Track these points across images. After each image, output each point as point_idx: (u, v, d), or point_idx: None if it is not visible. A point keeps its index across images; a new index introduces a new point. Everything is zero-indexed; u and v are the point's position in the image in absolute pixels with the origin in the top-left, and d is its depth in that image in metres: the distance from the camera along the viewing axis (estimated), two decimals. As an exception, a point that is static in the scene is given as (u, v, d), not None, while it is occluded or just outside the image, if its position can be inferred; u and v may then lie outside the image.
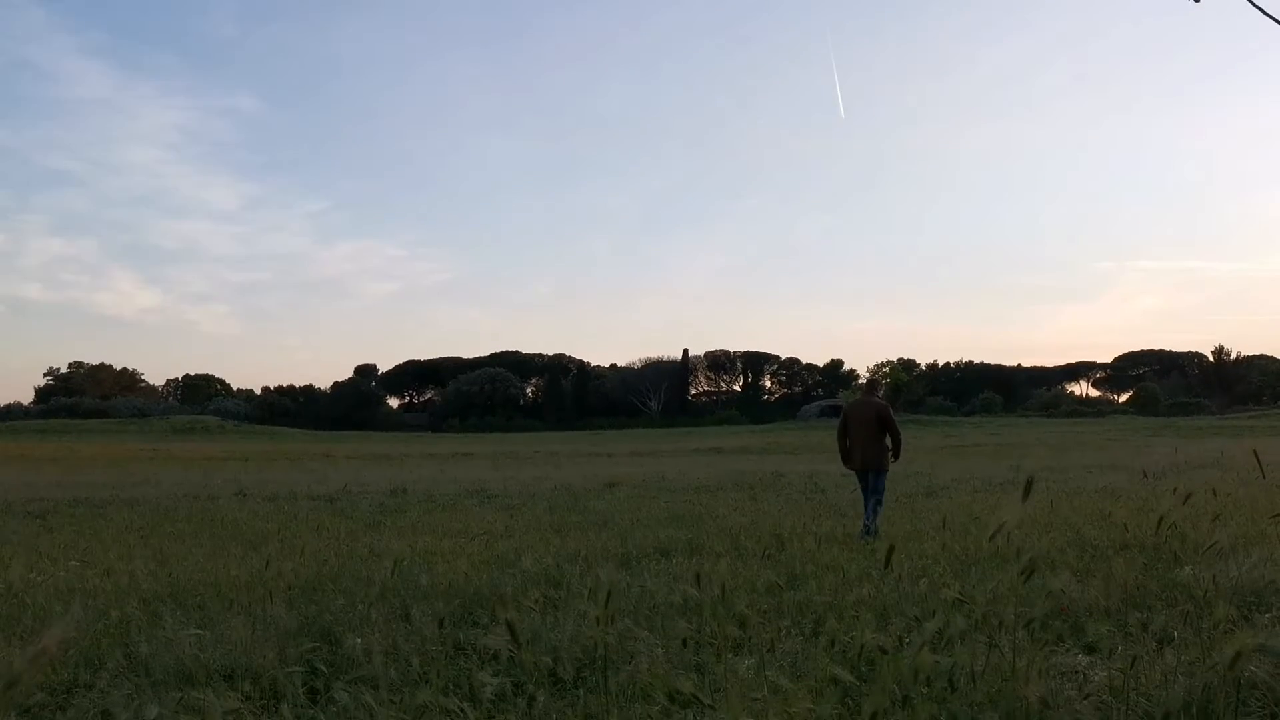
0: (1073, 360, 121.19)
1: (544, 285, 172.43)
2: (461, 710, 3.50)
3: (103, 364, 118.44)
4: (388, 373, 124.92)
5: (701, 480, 20.86)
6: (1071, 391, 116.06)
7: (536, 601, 5.77)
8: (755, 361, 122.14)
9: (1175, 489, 11.10)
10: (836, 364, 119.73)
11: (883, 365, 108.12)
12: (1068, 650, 4.51)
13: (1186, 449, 30.43)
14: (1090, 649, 4.50)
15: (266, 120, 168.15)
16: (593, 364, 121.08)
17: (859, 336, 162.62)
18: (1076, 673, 4.06)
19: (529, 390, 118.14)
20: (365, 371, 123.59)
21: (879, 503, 10.04)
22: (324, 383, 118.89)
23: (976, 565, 6.82)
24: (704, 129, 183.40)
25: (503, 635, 3.05)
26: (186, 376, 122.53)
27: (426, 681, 4.14)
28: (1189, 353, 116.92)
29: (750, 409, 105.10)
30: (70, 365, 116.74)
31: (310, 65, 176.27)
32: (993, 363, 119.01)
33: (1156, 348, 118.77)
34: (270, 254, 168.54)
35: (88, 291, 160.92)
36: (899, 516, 10.34)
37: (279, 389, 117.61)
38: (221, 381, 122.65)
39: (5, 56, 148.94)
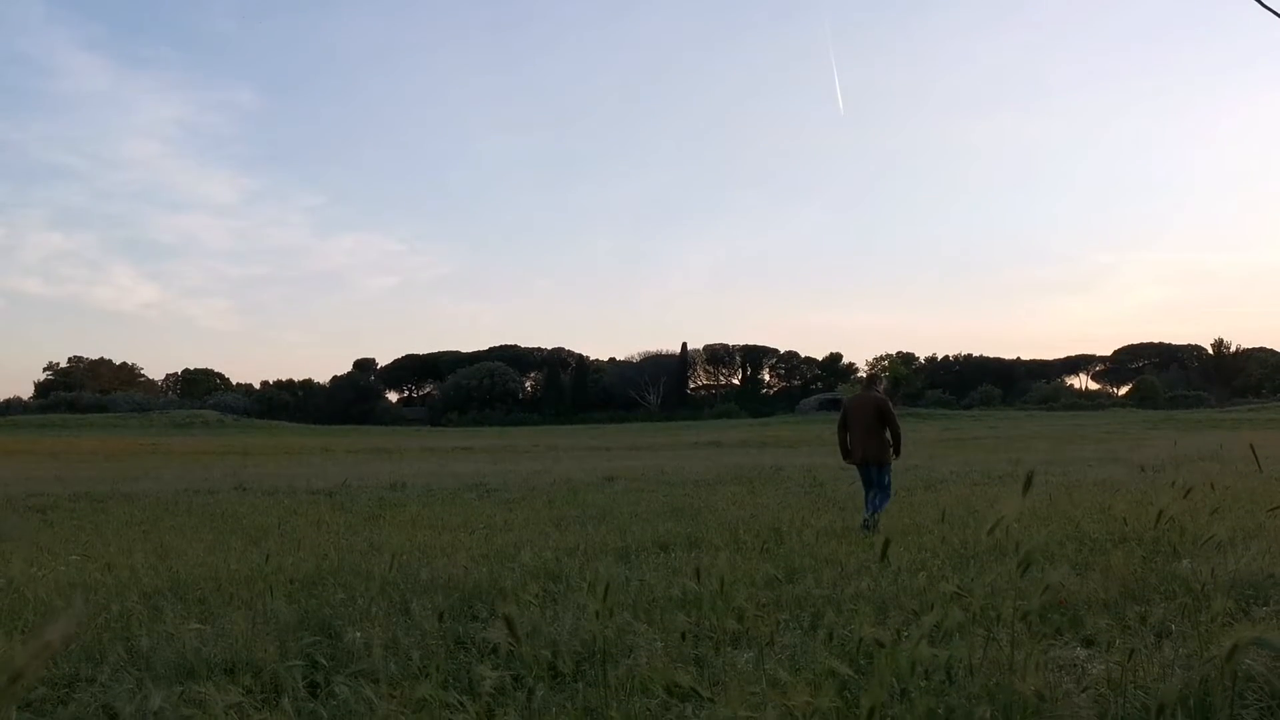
0: (1072, 353, 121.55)
1: (543, 279, 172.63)
2: (461, 704, 3.51)
3: (102, 359, 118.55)
4: (387, 367, 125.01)
5: (700, 474, 20.87)
6: (1071, 385, 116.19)
7: (536, 595, 5.78)
8: (754, 355, 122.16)
9: (1174, 482, 11.12)
10: (835, 357, 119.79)
11: (882, 359, 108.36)
12: (1066, 643, 4.52)
13: (1185, 442, 30.45)
14: (1089, 642, 4.51)
15: (265, 114, 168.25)
16: (591, 358, 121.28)
17: (858, 330, 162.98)
18: (1075, 666, 4.08)
19: (528, 384, 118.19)
20: (364, 365, 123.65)
21: (886, 496, 10.07)
22: (323, 377, 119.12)
23: (975, 559, 6.83)
24: (703, 123, 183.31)
25: (502, 629, 3.06)
26: (186, 371, 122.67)
27: (426, 675, 4.14)
28: (1188, 345, 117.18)
29: (749, 403, 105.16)
30: (70, 360, 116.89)
31: (308, 59, 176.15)
32: (992, 356, 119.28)
33: (1156, 340, 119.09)
34: (269, 248, 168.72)
35: (87, 286, 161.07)
36: (897, 510, 10.35)
37: (278, 383, 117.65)
38: (221, 376, 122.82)
39: (4, 50, 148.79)
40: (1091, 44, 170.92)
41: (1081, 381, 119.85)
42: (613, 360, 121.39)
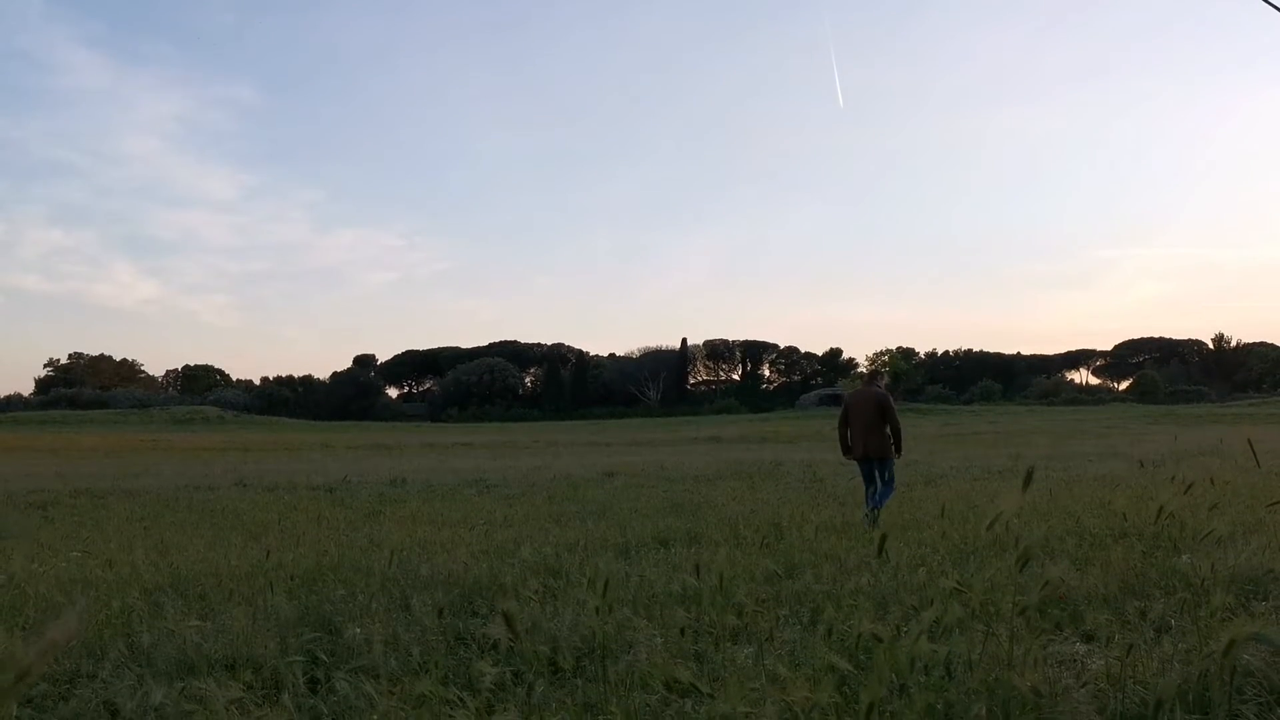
0: (1072, 348, 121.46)
1: (543, 275, 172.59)
2: (461, 700, 3.51)
3: (102, 355, 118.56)
4: (386, 363, 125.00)
5: (700, 469, 20.88)
6: (1071, 379, 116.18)
7: (536, 591, 5.79)
8: (754, 350, 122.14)
9: (1173, 477, 11.12)
10: (835, 353, 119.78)
11: (882, 354, 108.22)
12: (1066, 639, 4.53)
13: (1186, 437, 30.46)
14: (1088, 637, 4.51)
15: (265, 110, 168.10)
16: (591, 353, 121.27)
17: (858, 325, 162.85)
18: (1074, 661, 4.08)
19: (528, 380, 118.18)
20: (364, 361, 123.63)
21: (888, 490, 10.10)
22: (323, 373, 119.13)
23: (975, 554, 6.83)
24: (703, 118, 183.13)
25: (501, 626, 3.06)
26: (186, 367, 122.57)
27: (426, 671, 4.15)
28: (1189, 340, 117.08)
29: (749, 398, 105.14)
30: (70, 356, 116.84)
31: (308, 55, 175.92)
32: (992, 351, 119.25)
33: (1156, 335, 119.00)
34: (269, 244, 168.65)
35: (87, 282, 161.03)
36: (897, 505, 10.35)
37: (278, 379, 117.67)
38: (221, 372, 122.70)
39: (3, 46, 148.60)
40: (1092, 39, 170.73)
41: (1082, 376, 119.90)
42: (612, 356, 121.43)
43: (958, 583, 4.25)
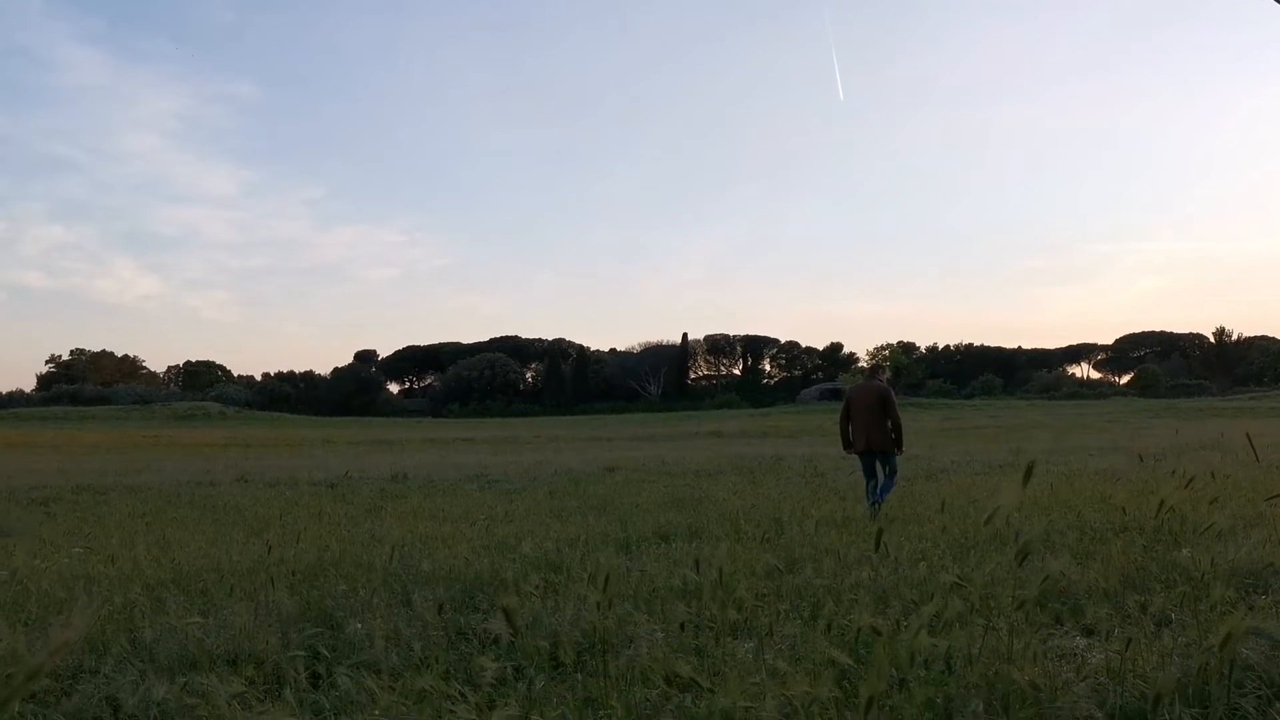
0: (1073, 342, 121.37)
1: (543, 270, 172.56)
2: (462, 695, 3.52)
3: (104, 351, 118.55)
4: (388, 358, 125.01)
5: (701, 464, 20.88)
6: (1072, 374, 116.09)
7: (537, 586, 5.80)
8: (755, 345, 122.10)
9: (1173, 471, 11.12)
10: (836, 347, 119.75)
11: (882, 348, 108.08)
12: (1066, 633, 4.53)
13: (1187, 431, 30.45)
14: (1089, 631, 4.52)
15: (265, 106, 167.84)
16: (592, 348, 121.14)
17: (859, 320, 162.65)
18: (1075, 655, 4.09)
19: (529, 375, 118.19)
20: (365, 357, 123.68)
21: (890, 483, 10.13)
22: (324, 368, 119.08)
23: (976, 548, 6.84)
24: (703, 113, 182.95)
25: (502, 621, 3.07)
26: (187, 363, 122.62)
27: (427, 666, 4.16)
28: (1190, 334, 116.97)
29: (750, 393, 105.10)
30: (72, 353, 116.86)
31: (308, 51, 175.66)
32: (993, 345, 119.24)
33: (1157, 329, 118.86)
34: (269, 240, 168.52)
35: (88, 278, 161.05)
36: (897, 500, 10.36)
37: (279, 375, 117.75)
38: (222, 368, 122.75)
39: (3, 43, 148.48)
40: (1092, 34, 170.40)
41: (1083, 370, 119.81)
42: (613, 351, 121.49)
43: (958, 577, 4.26)
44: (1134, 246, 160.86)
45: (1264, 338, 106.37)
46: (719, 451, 28.07)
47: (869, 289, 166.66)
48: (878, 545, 3.58)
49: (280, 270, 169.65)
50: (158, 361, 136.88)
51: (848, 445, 10.53)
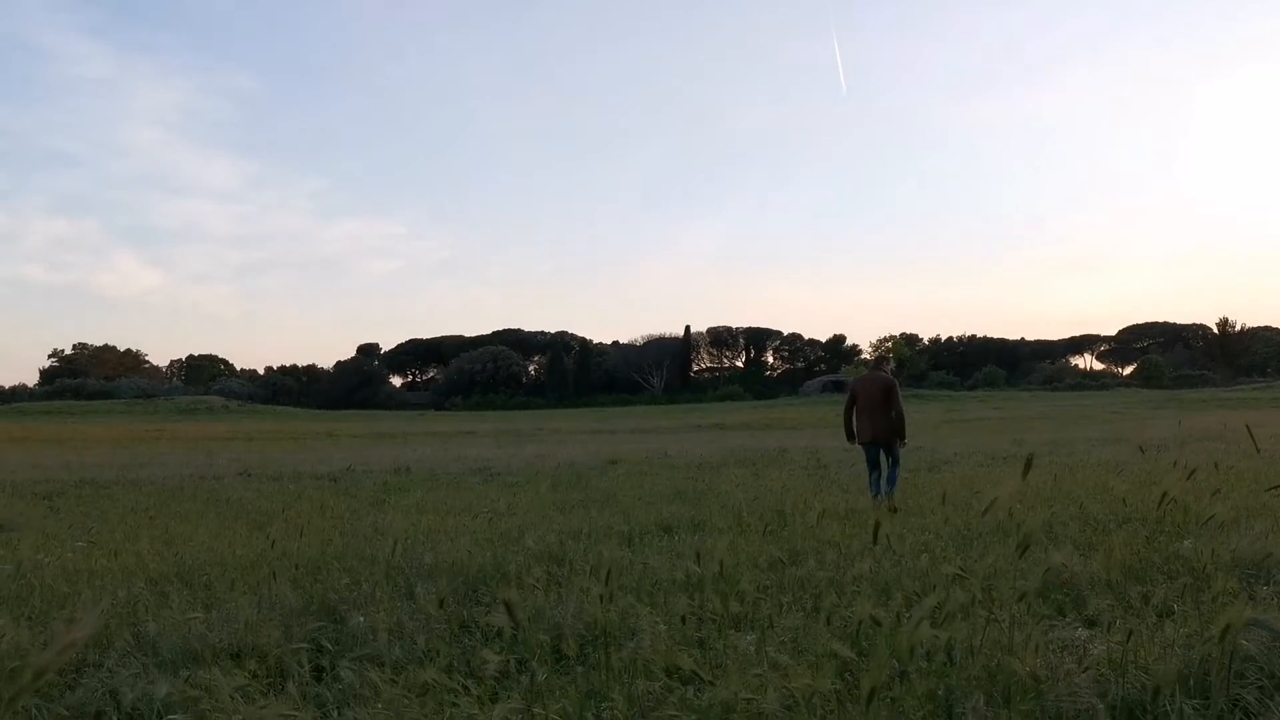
0: (1076, 334, 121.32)
1: (545, 262, 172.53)
2: (465, 687, 3.53)
3: (107, 345, 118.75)
4: (390, 351, 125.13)
5: (704, 457, 20.89)
6: (1075, 365, 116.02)
7: (539, 579, 5.80)
8: (758, 337, 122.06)
9: (1175, 463, 11.10)
10: (839, 339, 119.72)
11: (885, 340, 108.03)
12: (1069, 624, 4.53)
13: (1190, 422, 30.43)
14: (1091, 622, 4.52)
15: (266, 99, 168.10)
16: (595, 341, 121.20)
17: (862, 312, 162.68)
18: (1077, 646, 4.09)
19: (531, 368, 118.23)
20: (368, 350, 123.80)
21: (895, 474, 10.12)
22: (327, 362, 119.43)
23: (979, 539, 6.83)
24: (706, 104, 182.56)
25: (503, 614, 3.07)
26: (190, 357, 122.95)
27: (431, 659, 4.17)
28: (1193, 325, 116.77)
29: (753, 385, 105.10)
30: (74, 347, 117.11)
31: (309, 43, 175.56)
32: (996, 337, 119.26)
33: (1160, 320, 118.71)
34: (271, 233, 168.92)
35: (90, 272, 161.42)
36: (900, 491, 10.36)
37: (282, 369, 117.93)
38: (225, 361, 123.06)
39: (4, 37, 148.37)
40: (1095, 20, 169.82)
41: (1086, 362, 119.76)
42: (616, 343, 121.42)
43: (960, 569, 4.26)
44: (1138, 237, 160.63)
45: (1267, 328, 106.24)
46: (722, 444, 28.09)
47: (872, 281, 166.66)
48: (875, 538, 3.58)
49: (282, 263, 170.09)
50: (160, 355, 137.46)
51: (851, 437, 10.52)
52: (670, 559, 6.48)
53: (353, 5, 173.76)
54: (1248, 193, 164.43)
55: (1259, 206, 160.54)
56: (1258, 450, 7.22)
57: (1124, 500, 8.23)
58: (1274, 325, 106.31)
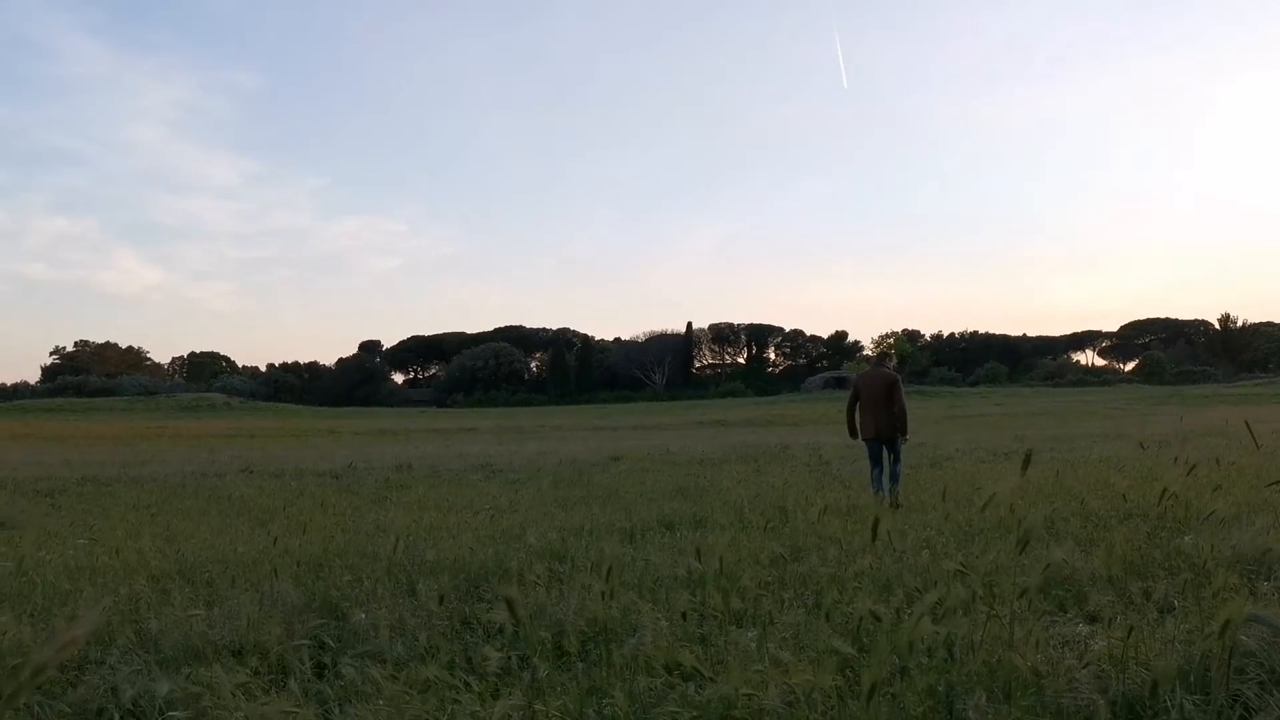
0: (1078, 329, 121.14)
1: (547, 259, 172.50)
2: (467, 684, 3.54)
3: (108, 343, 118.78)
4: (392, 348, 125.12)
5: (706, 453, 20.89)
6: (1077, 361, 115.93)
7: (541, 576, 5.80)
8: (759, 334, 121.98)
9: (1176, 458, 11.10)
10: (841, 335, 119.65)
11: (887, 336, 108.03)
12: (1070, 619, 4.53)
13: (1191, 418, 30.40)
14: (1092, 618, 4.52)
15: (267, 96, 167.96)
16: (596, 338, 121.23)
17: (863, 308, 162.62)
18: (1077, 641, 4.09)
19: (533, 365, 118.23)
20: (370, 347, 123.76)
21: (898, 468, 10.13)
22: (329, 359, 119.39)
23: (980, 536, 6.84)
24: (707, 101, 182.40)
25: (504, 611, 3.08)
26: (192, 354, 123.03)
27: (432, 656, 4.18)
28: (1195, 320, 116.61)
29: (754, 381, 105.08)
30: (76, 344, 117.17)
31: (311, 40, 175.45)
32: (998, 333, 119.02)
33: (1162, 316, 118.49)
34: (273, 230, 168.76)
35: (91, 270, 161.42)
36: (901, 487, 10.36)
37: (284, 366, 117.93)
38: (227, 359, 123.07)
39: (5, 34, 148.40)
40: (1098, 17, 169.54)
41: (1088, 358, 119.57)
42: (618, 340, 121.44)
43: (961, 565, 4.27)
44: (1140, 233, 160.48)
45: (1269, 324, 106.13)
46: (724, 440, 28.08)
47: (874, 277, 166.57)
48: (875, 534, 3.59)
49: (284, 260, 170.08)
50: (162, 353, 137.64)
51: (854, 433, 10.52)
52: (672, 555, 6.48)
53: (354, 3, 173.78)
54: (1250, 189, 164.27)
55: (1261, 202, 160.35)
56: (1257, 446, 7.20)
57: (1125, 496, 8.23)
58: (1276, 321, 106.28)
